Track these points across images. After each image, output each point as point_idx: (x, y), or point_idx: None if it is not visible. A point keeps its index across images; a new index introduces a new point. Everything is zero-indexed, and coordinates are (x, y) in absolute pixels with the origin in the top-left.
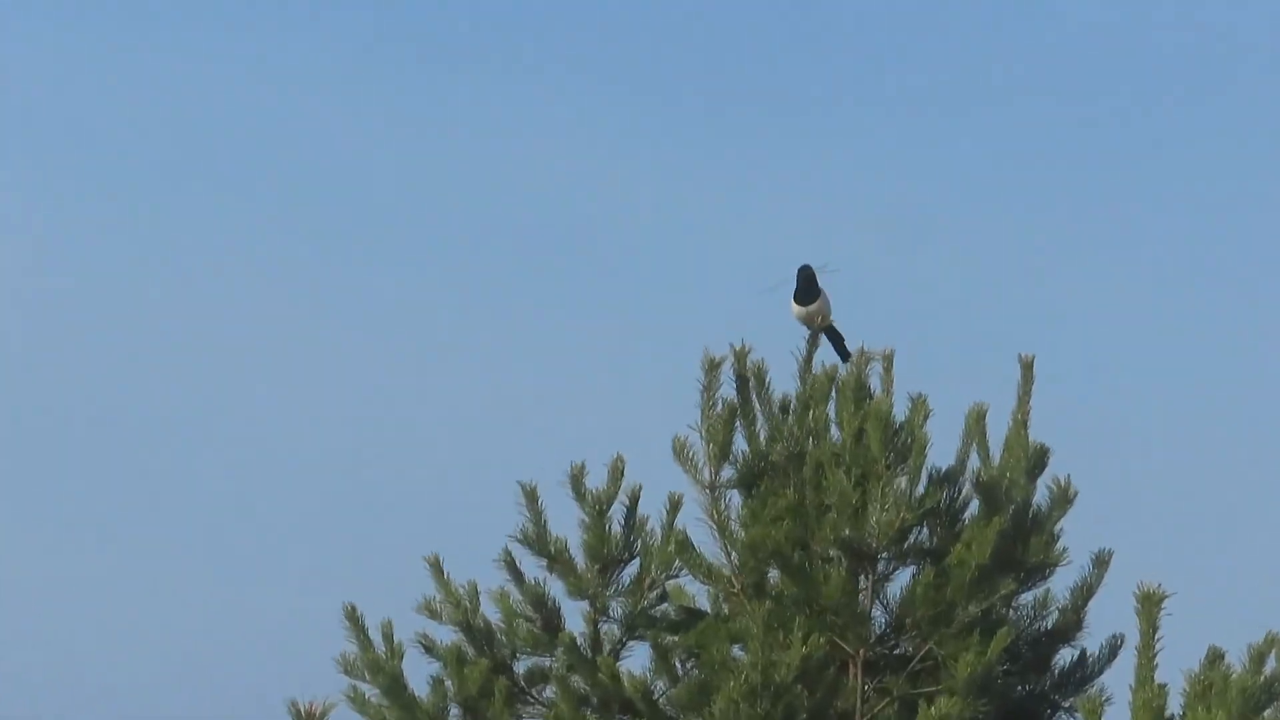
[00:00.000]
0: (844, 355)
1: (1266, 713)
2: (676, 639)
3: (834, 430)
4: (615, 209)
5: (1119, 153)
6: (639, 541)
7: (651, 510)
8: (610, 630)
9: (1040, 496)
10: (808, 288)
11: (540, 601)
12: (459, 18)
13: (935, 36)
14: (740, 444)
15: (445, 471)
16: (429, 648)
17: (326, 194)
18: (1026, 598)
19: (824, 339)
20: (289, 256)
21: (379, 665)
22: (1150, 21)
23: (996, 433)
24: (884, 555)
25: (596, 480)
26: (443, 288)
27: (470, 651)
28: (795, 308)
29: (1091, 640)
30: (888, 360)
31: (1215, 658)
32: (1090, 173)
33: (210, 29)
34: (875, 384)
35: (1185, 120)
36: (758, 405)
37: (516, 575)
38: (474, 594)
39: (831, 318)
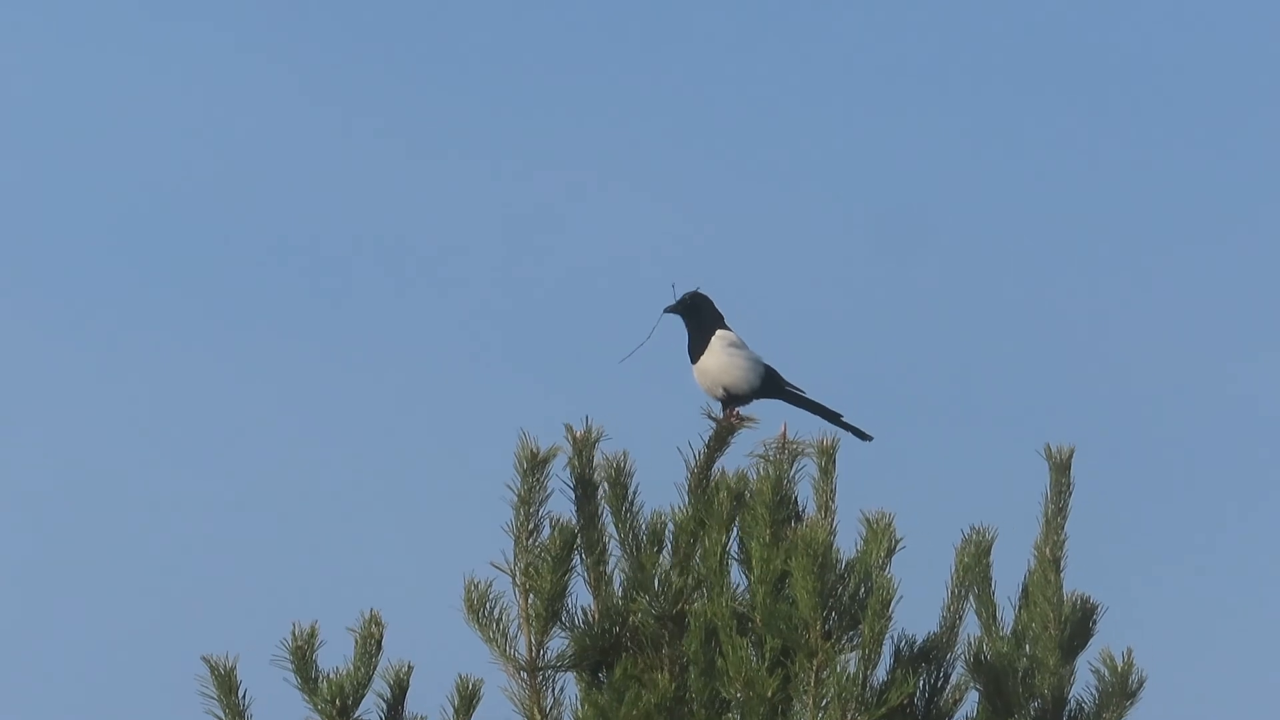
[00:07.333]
0: (841, 424)
1: None
2: None
3: (738, 574)
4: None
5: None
6: None
7: (430, 707)
8: None
9: (1082, 685)
10: (697, 328)
11: None
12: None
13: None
14: (581, 595)
15: (107, 640)
16: None
17: None
18: None
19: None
20: None
21: None
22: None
23: (1008, 578)
24: None
25: (335, 655)
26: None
27: None
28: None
29: None
30: (827, 455)
31: None
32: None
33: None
34: (807, 496)
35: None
36: (614, 530)
37: None
38: None
39: (755, 375)
